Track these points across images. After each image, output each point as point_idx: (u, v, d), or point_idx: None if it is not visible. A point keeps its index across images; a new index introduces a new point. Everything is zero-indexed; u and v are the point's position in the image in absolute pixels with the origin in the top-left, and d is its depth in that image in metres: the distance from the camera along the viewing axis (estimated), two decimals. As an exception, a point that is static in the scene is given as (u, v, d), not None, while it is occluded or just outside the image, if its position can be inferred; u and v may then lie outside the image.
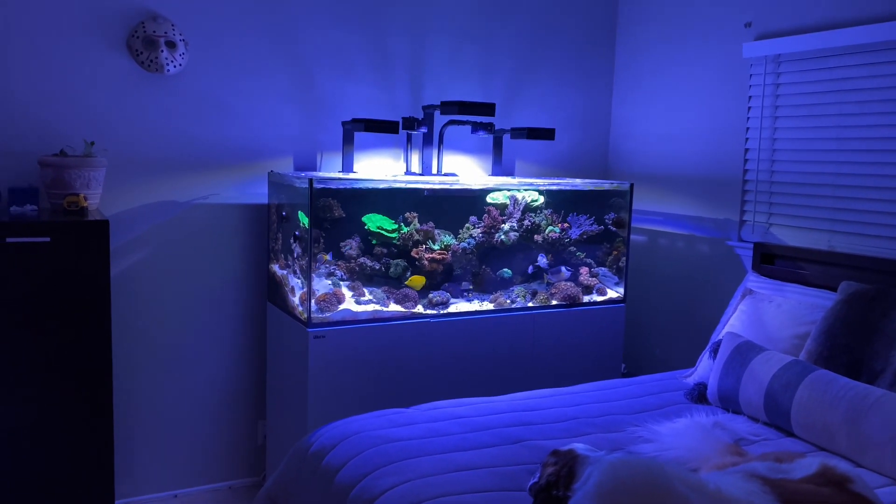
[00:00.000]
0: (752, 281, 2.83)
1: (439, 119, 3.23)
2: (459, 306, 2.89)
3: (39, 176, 2.56)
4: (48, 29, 2.61)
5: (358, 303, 2.74)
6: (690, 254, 3.34)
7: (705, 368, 2.59)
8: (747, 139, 3.06)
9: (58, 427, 2.32)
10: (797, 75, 2.85)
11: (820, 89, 2.77)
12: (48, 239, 2.25)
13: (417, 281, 2.79)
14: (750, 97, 3.03)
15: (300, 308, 2.65)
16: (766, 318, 2.57)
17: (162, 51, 2.71)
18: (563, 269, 3.12)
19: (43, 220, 2.26)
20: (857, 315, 2.29)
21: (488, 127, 3.11)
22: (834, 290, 2.55)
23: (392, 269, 2.86)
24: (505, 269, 3.07)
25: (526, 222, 3.08)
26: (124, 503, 2.91)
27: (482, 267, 3.03)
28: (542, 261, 2.99)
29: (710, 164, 3.24)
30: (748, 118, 3.05)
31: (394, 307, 2.77)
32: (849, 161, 2.68)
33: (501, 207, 3.09)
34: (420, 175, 3.13)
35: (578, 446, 1.66)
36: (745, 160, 3.07)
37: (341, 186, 2.74)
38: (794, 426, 2.13)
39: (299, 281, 2.69)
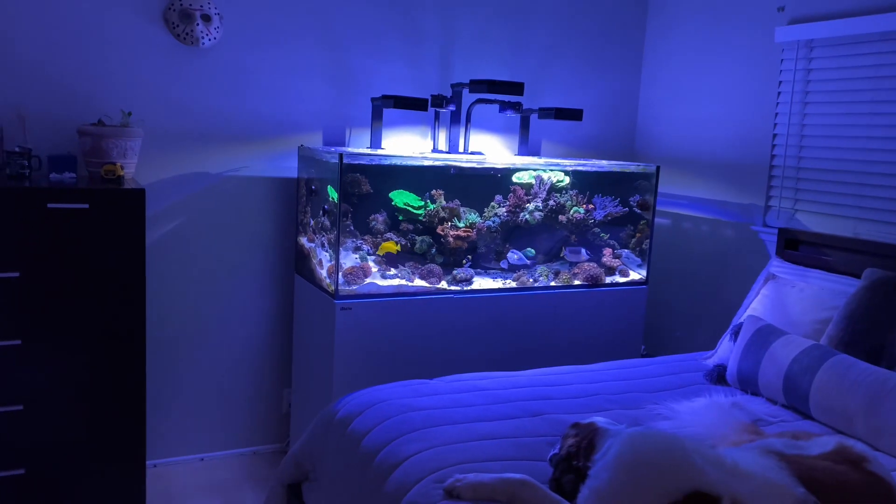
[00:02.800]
0: (776, 266, 2.84)
1: (467, 97, 3.25)
2: (483, 284, 2.94)
3: (78, 145, 2.63)
4: (87, 1, 2.66)
5: (384, 277, 2.79)
6: (714, 238, 3.35)
7: (725, 350, 2.61)
8: (776, 124, 3.05)
9: (93, 391, 2.40)
10: (829, 61, 2.84)
11: (852, 76, 2.76)
12: (87, 206, 2.32)
13: (389, 247, 2.79)
14: (780, 82, 3.02)
15: (328, 280, 2.71)
16: (789, 302, 2.59)
17: (197, 24, 2.76)
18: (582, 250, 3.15)
19: (82, 188, 2.33)
20: (879, 301, 2.30)
21: (516, 106, 3.13)
22: (858, 276, 2.56)
23: (418, 246, 2.91)
24: (529, 249, 3.10)
25: (551, 202, 3.11)
26: (154, 464, 3.01)
27: (506, 245, 3.07)
28: (513, 257, 3.01)
29: (738, 148, 3.24)
30: (777, 103, 3.04)
31: (418, 282, 2.82)
32: (878, 149, 2.68)
33: (527, 187, 3.12)
34: (447, 153, 3.16)
35: (599, 419, 1.70)
36: (773, 145, 3.07)
37: (370, 162, 2.78)
38: (812, 409, 2.15)
39: (327, 254, 2.75)
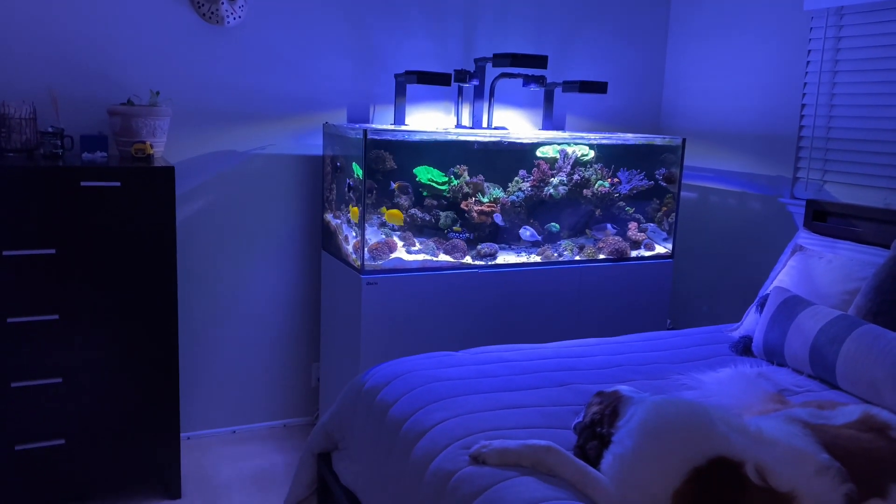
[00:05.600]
0: (804, 237, 2.82)
1: (490, 72, 3.24)
2: (507, 258, 2.95)
3: (108, 124, 2.68)
4: (115, -19, 2.70)
5: (409, 252, 2.82)
6: (741, 211, 3.32)
7: (751, 322, 2.60)
8: (804, 95, 3.01)
9: (128, 364, 2.47)
10: (859, 28, 2.78)
11: (883, 43, 2.70)
12: (119, 184, 2.37)
13: (395, 215, 2.81)
14: (809, 51, 2.97)
15: (353, 256, 2.75)
16: (816, 273, 2.57)
17: (222, 3, 2.78)
18: (608, 226, 3.14)
19: (114, 166, 2.38)
20: (909, 271, 2.27)
21: (540, 80, 3.12)
22: (887, 247, 2.53)
23: (442, 221, 2.93)
24: (553, 224, 3.11)
25: (575, 177, 3.10)
26: (188, 436, 3.09)
27: (530, 220, 3.08)
28: (525, 233, 3.00)
29: (765, 119, 3.20)
30: (806, 73, 2.99)
31: (443, 257, 2.85)
32: (910, 117, 2.63)
33: (551, 161, 3.11)
34: (471, 128, 3.17)
35: (623, 388, 1.72)
36: (802, 116, 3.02)
37: (394, 138, 2.80)
38: (838, 379, 2.14)
39: (353, 230, 2.78)
